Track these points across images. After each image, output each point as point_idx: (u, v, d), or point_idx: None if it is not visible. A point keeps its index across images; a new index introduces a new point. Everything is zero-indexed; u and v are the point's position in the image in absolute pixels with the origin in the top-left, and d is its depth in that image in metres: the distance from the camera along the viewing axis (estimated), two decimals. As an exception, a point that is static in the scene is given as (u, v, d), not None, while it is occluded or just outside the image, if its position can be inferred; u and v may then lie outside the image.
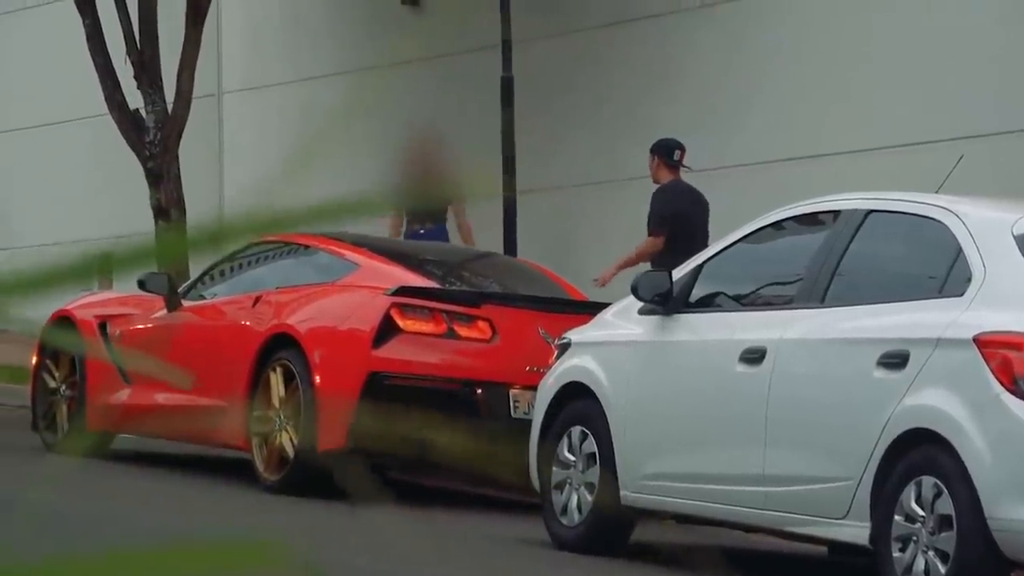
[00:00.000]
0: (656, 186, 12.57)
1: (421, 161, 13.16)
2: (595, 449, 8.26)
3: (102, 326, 11.28)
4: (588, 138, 14.69)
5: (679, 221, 12.21)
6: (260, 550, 1.12)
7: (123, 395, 10.86)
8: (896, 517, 7.02)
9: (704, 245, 11.77)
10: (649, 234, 12.26)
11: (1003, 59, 12.34)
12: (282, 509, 9.09)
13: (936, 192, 7.87)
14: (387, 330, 9.64)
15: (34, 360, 11.52)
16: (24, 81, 19.93)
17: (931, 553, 6.91)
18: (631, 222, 12.97)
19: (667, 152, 12.52)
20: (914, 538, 6.97)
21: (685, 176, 12.61)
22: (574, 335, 8.65)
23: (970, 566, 6.80)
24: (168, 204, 15.07)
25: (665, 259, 11.89)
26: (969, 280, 7.13)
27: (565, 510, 8.35)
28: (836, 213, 7.84)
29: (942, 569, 6.86)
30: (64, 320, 11.47)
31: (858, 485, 7.16)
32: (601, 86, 14.72)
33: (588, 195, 14.75)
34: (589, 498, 8.25)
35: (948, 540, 6.86)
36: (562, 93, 14.93)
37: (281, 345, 9.83)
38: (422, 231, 13.66)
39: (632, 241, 12.80)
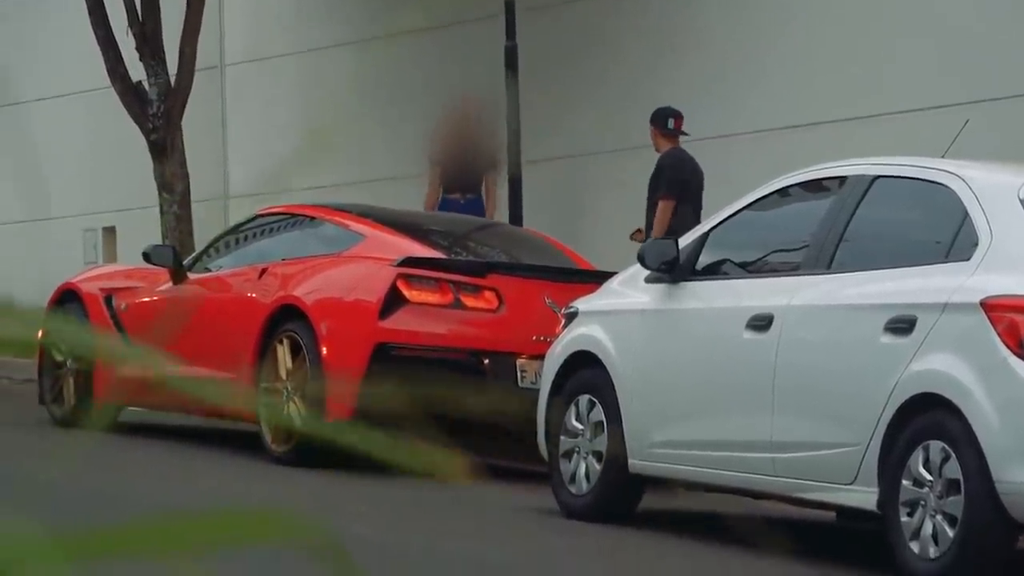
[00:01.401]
0: (658, 154, 12.62)
1: (460, 128, 13.15)
2: (603, 417, 8.27)
3: (107, 299, 11.29)
4: (594, 108, 14.67)
5: (681, 188, 12.27)
6: (278, 520, 1.12)
7: (130, 368, 10.87)
8: (904, 482, 7.03)
9: (698, 214, 11.79)
10: (660, 199, 12.31)
11: (1008, 23, 12.31)
12: (290, 480, 9.11)
13: (942, 157, 7.86)
14: (393, 301, 9.64)
15: (40, 333, 11.53)
16: (26, 55, 19.91)
17: (939, 517, 6.92)
18: (637, 192, 12.97)
19: (663, 120, 12.62)
20: (922, 502, 6.98)
21: (684, 143, 12.63)
22: (581, 304, 8.65)
23: (978, 530, 6.81)
24: (172, 177, 15.07)
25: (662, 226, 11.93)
26: (976, 244, 7.13)
27: (573, 478, 8.36)
28: (842, 179, 7.83)
29: (950, 533, 6.87)
30: (69, 293, 11.48)
31: (866, 450, 7.16)
32: (606, 55, 14.69)
33: (594, 165, 14.74)
34: (597, 466, 8.26)
35: (956, 504, 6.87)
36: (567, 62, 14.91)
37: (288, 317, 9.84)
38: (462, 201, 13.69)
39: (639, 210, 12.79)
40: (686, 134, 12.61)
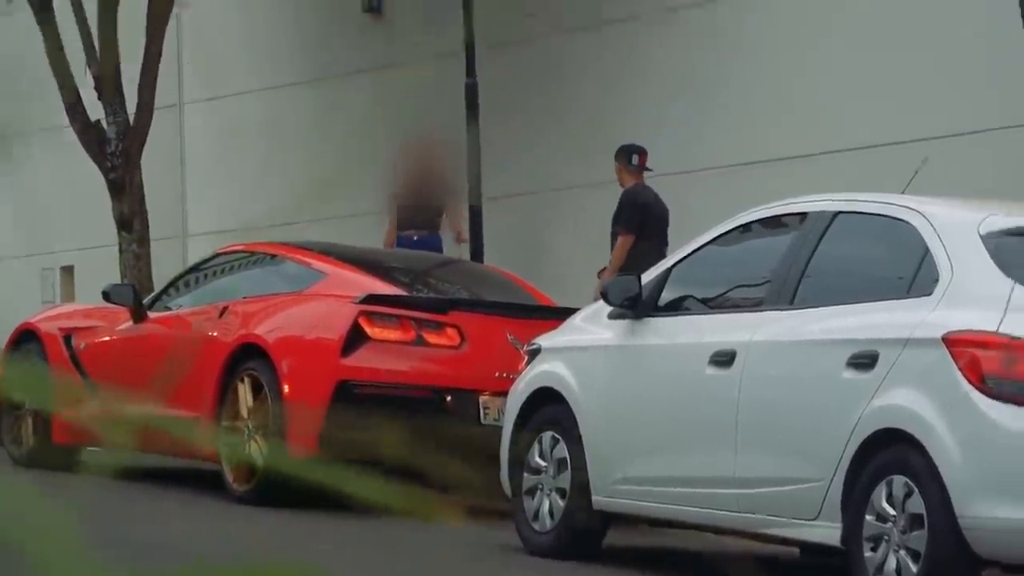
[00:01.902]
0: (622, 190, 12.67)
1: (418, 165, 13.17)
2: (566, 454, 8.27)
3: (67, 339, 11.22)
4: (554, 144, 14.70)
5: (641, 224, 12.32)
6: (296, 572, 1.12)
7: (90, 407, 10.81)
8: (867, 517, 7.04)
9: (663, 250, 11.83)
10: (620, 234, 12.35)
11: (968, 61, 12.42)
12: (253, 519, 9.06)
13: (902, 193, 7.91)
14: (355, 338, 9.62)
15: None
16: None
17: (903, 552, 6.94)
18: (599, 228, 13.00)
19: (627, 157, 12.70)
20: (885, 537, 7.00)
21: (648, 179, 12.69)
22: (544, 340, 8.66)
23: (941, 564, 6.82)
24: (131, 215, 15.01)
25: (628, 262, 11.95)
26: (937, 280, 7.16)
27: (537, 515, 8.35)
28: (804, 215, 7.87)
29: (914, 568, 6.88)
30: (28, 333, 11.41)
31: (829, 486, 7.18)
32: (567, 92, 14.74)
33: (555, 201, 14.77)
34: (561, 503, 8.25)
35: (919, 539, 6.89)
36: (526, 99, 14.95)
37: (249, 355, 9.80)
38: (415, 238, 13.69)
39: (600, 246, 12.82)
40: (649, 170, 12.68)
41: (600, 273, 12.41)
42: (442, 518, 1.36)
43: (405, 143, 14.26)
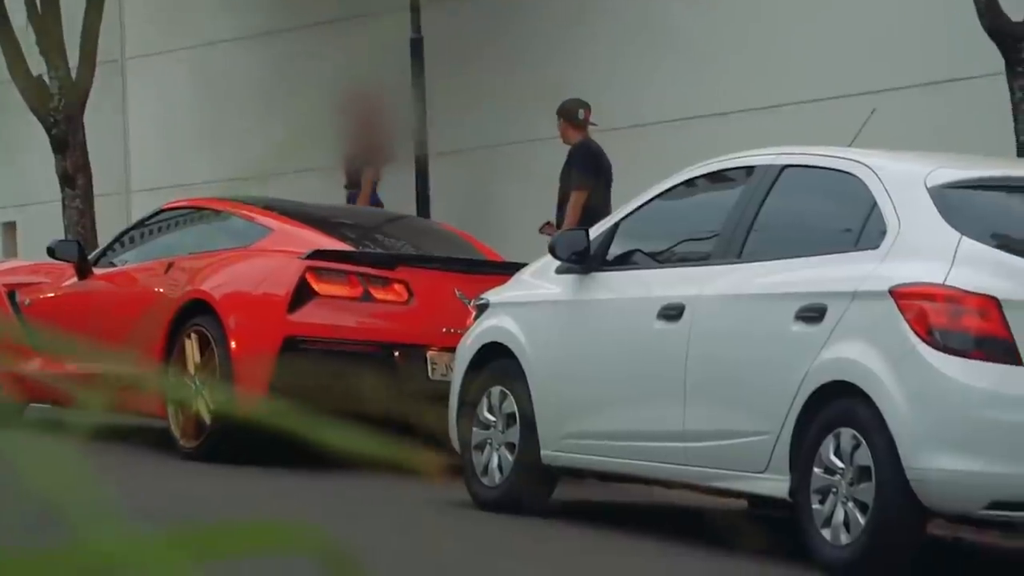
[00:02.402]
0: (567, 146, 12.61)
1: (361, 120, 13.11)
2: (515, 409, 8.27)
3: (11, 295, 11.13)
4: (500, 99, 14.66)
5: (594, 179, 12.28)
6: (296, 533, 1.10)
7: (34, 364, 10.74)
8: (815, 469, 7.07)
9: (609, 205, 11.82)
10: (573, 190, 12.27)
11: (916, 11, 12.44)
12: (203, 474, 9.03)
13: (849, 146, 7.92)
14: (302, 294, 9.58)
15: (-58, 331, 11.35)
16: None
17: (850, 504, 6.98)
18: (545, 183, 12.98)
19: (572, 113, 12.61)
20: (833, 490, 7.03)
21: (594, 133, 12.65)
22: (492, 296, 8.64)
23: (889, 516, 6.87)
24: (74, 171, 14.89)
25: (581, 216, 11.92)
26: (884, 233, 7.18)
27: (486, 470, 8.35)
28: (751, 168, 7.87)
29: (861, 520, 6.92)
30: (-28, 290, 11.31)
31: (777, 439, 7.21)
32: (512, 46, 14.69)
33: (501, 156, 14.73)
34: (510, 458, 8.25)
35: (867, 491, 6.93)
36: (473, 54, 14.89)
37: (196, 311, 9.75)
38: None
39: (547, 201, 12.80)
40: (595, 124, 12.64)
41: (543, 228, 12.38)
42: (424, 472, 1.34)
43: (345, 99, 14.20)
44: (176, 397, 9.46)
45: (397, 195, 14.02)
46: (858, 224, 7.32)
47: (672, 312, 7.72)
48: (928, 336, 6.86)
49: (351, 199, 13.76)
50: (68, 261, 10.88)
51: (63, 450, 1.05)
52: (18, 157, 18.25)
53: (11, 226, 19.08)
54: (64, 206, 15.02)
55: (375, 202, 13.75)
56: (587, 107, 12.68)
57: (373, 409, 8.99)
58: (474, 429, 8.42)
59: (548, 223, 12.51)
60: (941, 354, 6.81)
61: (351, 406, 9.06)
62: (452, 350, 8.94)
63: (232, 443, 9.31)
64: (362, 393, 9.07)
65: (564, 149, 12.77)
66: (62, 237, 13.18)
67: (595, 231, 8.26)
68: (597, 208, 11.76)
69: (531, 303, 8.38)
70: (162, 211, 11.08)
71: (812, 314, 7.19)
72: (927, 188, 7.26)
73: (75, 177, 14.88)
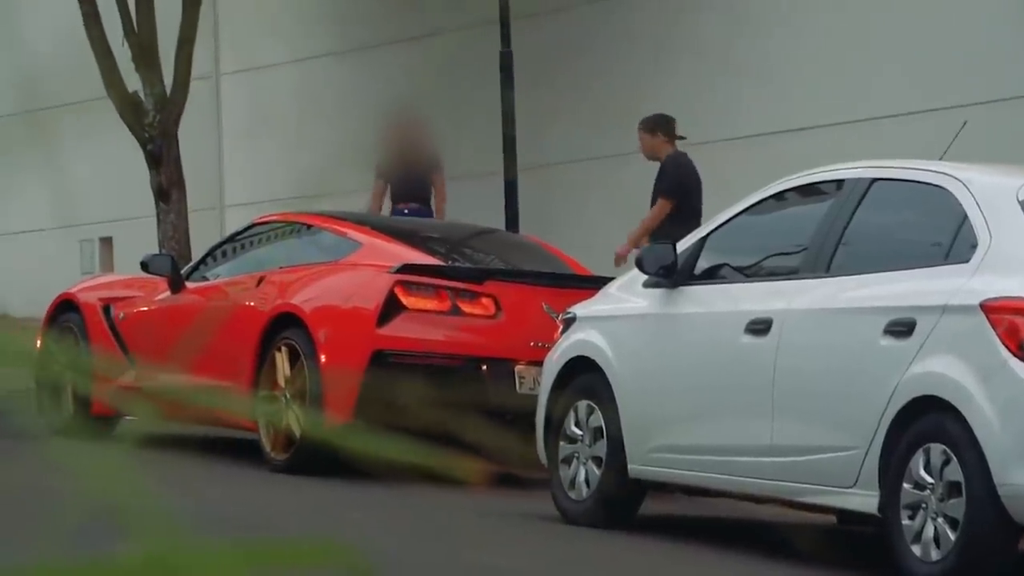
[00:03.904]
0: (654, 161, 12.49)
1: (403, 137, 13.21)
2: (602, 423, 8.26)
3: (106, 308, 11.27)
4: (588, 113, 14.67)
5: (683, 191, 12.19)
6: (328, 551, 1.12)
7: (128, 377, 10.86)
8: (905, 485, 7.02)
9: (698, 219, 11.75)
10: (659, 197, 12.11)
11: (1006, 25, 12.32)
12: (289, 488, 9.09)
13: (940, 159, 7.85)
14: (391, 308, 9.63)
15: (38, 343, 11.51)
16: (22, 66, 19.90)
17: (940, 520, 6.91)
18: (633, 196, 12.96)
19: (665, 126, 12.45)
20: (923, 505, 6.97)
21: (683, 147, 12.54)
22: (579, 309, 8.64)
23: (980, 532, 6.80)
24: (168, 186, 15.06)
25: (664, 230, 11.85)
26: (975, 246, 7.12)
27: (573, 484, 8.35)
28: (840, 182, 7.82)
29: (951, 535, 6.86)
30: (67, 303, 11.46)
31: (866, 453, 7.15)
32: (601, 61, 14.69)
33: (589, 170, 14.74)
34: (597, 472, 8.25)
35: (957, 507, 6.86)
36: (562, 68, 14.91)
37: (286, 324, 9.83)
38: (406, 211, 13.67)
39: (635, 214, 12.78)
40: (683, 138, 12.55)
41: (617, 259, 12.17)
42: (463, 476, 1.35)
43: (386, 116, 14.28)
44: (266, 418, 9.54)
45: (485, 210, 14.06)
46: (948, 238, 7.26)
47: (760, 326, 7.68)
48: (1019, 350, 6.79)
49: (396, 215, 13.71)
50: (161, 275, 10.99)
51: (117, 457, 1.07)
52: (114, 173, 18.48)
53: (107, 241, 19.32)
54: (159, 221, 15.19)
55: (419, 215, 13.67)
56: (673, 120, 12.59)
57: (460, 422, 9.02)
58: (561, 443, 8.43)
59: (624, 248, 12.33)
60: (1032, 369, 6.73)
61: (438, 419, 9.09)
62: (539, 364, 8.95)
63: (322, 456, 9.37)
64: (449, 407, 9.10)
65: (652, 163, 12.74)
66: (156, 251, 13.32)
67: (682, 245, 8.24)
68: (686, 221, 11.68)
69: (618, 317, 8.38)
70: (253, 225, 11.18)
71: (901, 328, 7.14)
72: (1019, 201, 7.19)
73: (169, 192, 15.05)
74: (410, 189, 13.77)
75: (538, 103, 14.63)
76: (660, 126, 12.54)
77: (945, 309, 7.02)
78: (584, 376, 8.40)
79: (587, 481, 8.29)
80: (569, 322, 8.63)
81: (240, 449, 10.43)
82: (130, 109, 14.98)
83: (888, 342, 7.17)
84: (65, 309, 11.45)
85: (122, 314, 11.18)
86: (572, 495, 8.33)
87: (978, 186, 7.29)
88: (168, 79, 14.95)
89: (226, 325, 10.28)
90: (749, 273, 8.04)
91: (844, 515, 7.82)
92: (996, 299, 6.89)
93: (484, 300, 9.76)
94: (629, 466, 8.12)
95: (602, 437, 8.25)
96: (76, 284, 11.91)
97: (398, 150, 13.60)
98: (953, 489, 6.89)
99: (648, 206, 12.55)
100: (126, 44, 14.97)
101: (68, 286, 11.85)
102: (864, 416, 7.18)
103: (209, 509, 7.50)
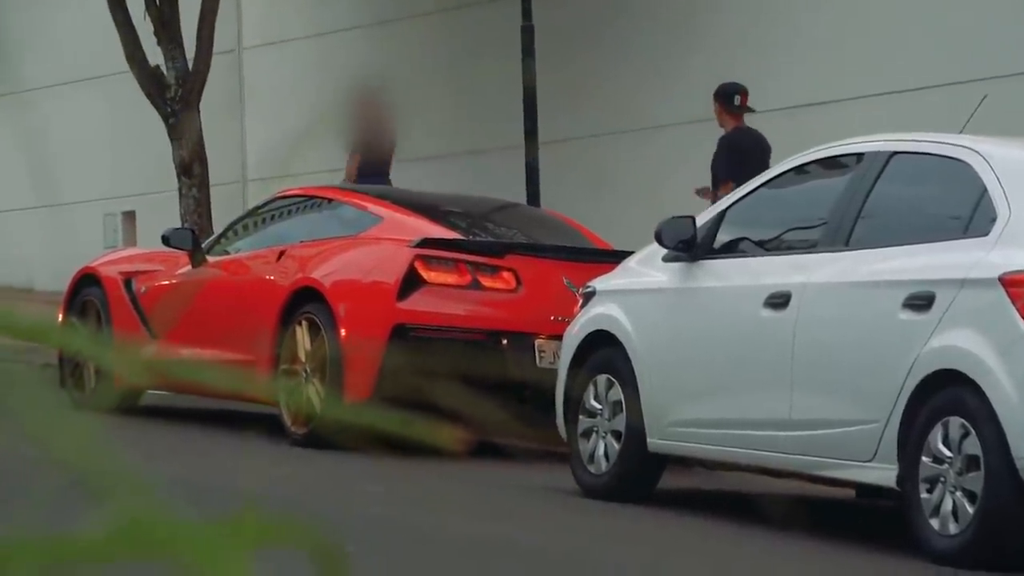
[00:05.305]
0: (722, 130, 12.23)
1: (367, 114, 13.23)
2: (621, 397, 8.27)
3: (127, 282, 11.31)
4: (610, 87, 14.64)
5: (740, 171, 11.99)
6: (287, 528, 1.13)
7: (149, 350, 10.89)
8: (923, 458, 7.01)
9: None
10: (722, 182, 11.87)
11: (1026, -1, 12.25)
12: (309, 462, 9.12)
13: (960, 132, 7.83)
14: (411, 282, 9.64)
15: (60, 318, 11.56)
16: (45, 40, 19.93)
17: (959, 493, 6.91)
18: (655, 171, 12.94)
19: (727, 98, 12.16)
20: (941, 479, 6.97)
21: (749, 119, 12.25)
22: (599, 283, 8.65)
23: (998, 505, 6.79)
24: (190, 160, 15.08)
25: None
26: (994, 220, 7.10)
27: (592, 458, 8.36)
28: (859, 156, 7.81)
29: (970, 509, 6.85)
30: (89, 277, 11.50)
31: (885, 427, 7.15)
32: (622, 35, 14.66)
33: (611, 144, 14.72)
34: (616, 446, 8.26)
35: (976, 480, 6.86)
36: (584, 42, 14.88)
37: (306, 299, 9.85)
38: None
39: (657, 189, 12.76)
40: (752, 110, 12.23)
41: (700, 192, 11.93)
42: (444, 445, 1.37)
43: (352, 94, 14.28)
44: (286, 397, 9.54)
45: (507, 183, 14.06)
46: (967, 211, 7.24)
47: (779, 300, 7.68)
48: (1038, 324, 6.77)
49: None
50: (182, 249, 11.02)
51: (88, 424, 1.08)
52: (137, 147, 18.52)
53: (130, 215, 19.37)
54: (181, 195, 15.22)
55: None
56: (744, 92, 12.16)
57: (480, 396, 9.03)
58: (580, 417, 8.44)
59: (706, 189, 12.12)
60: (1051, 343, 6.72)
61: (459, 393, 9.10)
62: (559, 338, 8.96)
63: (342, 430, 9.39)
64: (469, 381, 9.11)
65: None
66: (178, 226, 13.36)
67: (702, 219, 8.24)
68: None
69: (638, 291, 8.37)
70: (275, 199, 11.19)
71: (920, 302, 7.13)
72: (1038, 174, 7.16)
73: (191, 166, 15.07)
74: (375, 165, 13.80)
75: (560, 77, 14.61)
76: (719, 96, 12.20)
77: (964, 283, 7.01)
78: (603, 350, 8.40)
79: (606, 455, 8.30)
80: (589, 296, 8.64)
81: (261, 422, 10.47)
82: (152, 83, 15.00)
83: (907, 316, 7.16)
84: (87, 283, 11.49)
85: (144, 288, 11.21)
86: (591, 469, 8.35)
87: (998, 159, 7.27)
88: (190, 53, 14.96)
89: (247, 299, 10.31)
90: (768, 247, 8.03)
91: (862, 489, 7.82)
92: (1015, 272, 6.87)
93: (504, 274, 9.76)
94: (648, 440, 8.13)
95: (621, 411, 8.26)
96: (98, 258, 11.95)
97: (365, 127, 13.67)
98: (971, 463, 6.88)
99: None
100: (148, 18, 14.97)
101: (91, 260, 11.89)
102: (883, 389, 7.18)
103: (226, 482, 7.53)
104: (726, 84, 12.21)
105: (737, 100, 12.07)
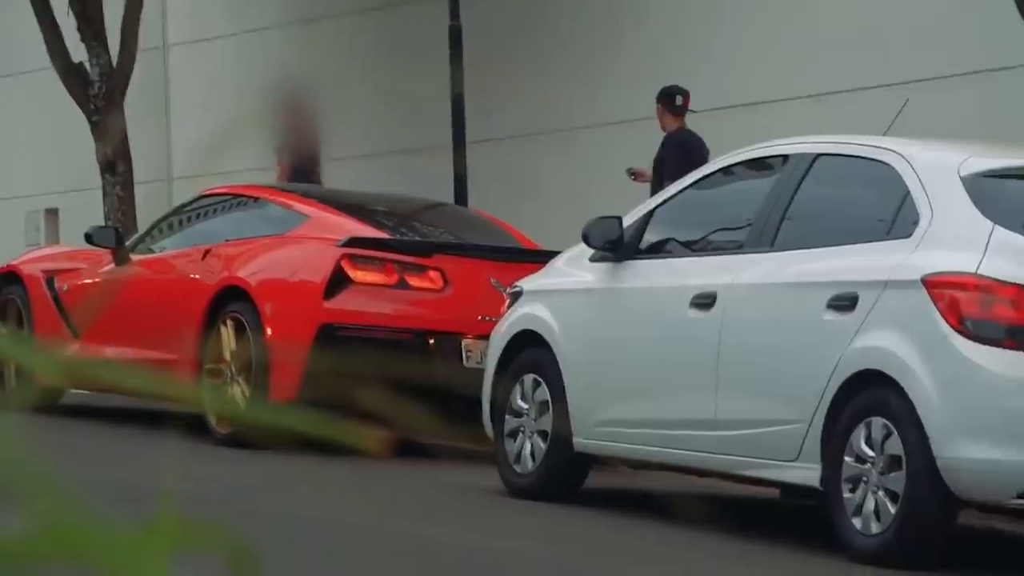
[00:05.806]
0: (663, 132, 12.22)
1: (291, 114, 13.21)
2: (548, 397, 8.28)
3: (49, 281, 11.21)
4: (538, 87, 14.66)
5: (688, 169, 11.98)
6: (200, 530, 1.12)
7: (71, 350, 10.81)
8: (846, 458, 7.06)
9: None
10: (668, 181, 11.86)
11: (949, 4, 12.37)
12: (234, 461, 9.08)
13: (883, 135, 7.89)
14: (338, 281, 9.62)
15: (-19, 316, 11.44)
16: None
17: (881, 493, 6.97)
18: (582, 171, 12.97)
19: (670, 99, 12.21)
20: (864, 479, 7.02)
21: (690, 120, 12.27)
22: (525, 283, 8.65)
23: (919, 505, 6.85)
24: (114, 158, 14.97)
25: None
26: (917, 222, 7.16)
27: (519, 458, 8.37)
28: (785, 157, 7.85)
29: (892, 509, 6.91)
30: (10, 275, 11.40)
31: (808, 427, 7.20)
32: (549, 35, 14.68)
33: (538, 144, 14.74)
34: (542, 445, 8.27)
35: (898, 480, 6.91)
36: (511, 42, 14.89)
37: (232, 298, 9.80)
38: None
39: (584, 189, 12.79)
40: (693, 111, 12.26)
41: (632, 173, 11.83)
42: (367, 448, 1.36)
43: (277, 98, 14.28)
44: (211, 400, 9.47)
45: (436, 183, 14.05)
46: (891, 213, 7.30)
47: (705, 301, 7.71)
48: (960, 325, 6.84)
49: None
50: (106, 247, 10.94)
51: (6, 424, 1.06)
52: (60, 144, 18.36)
53: (53, 212, 19.20)
54: (104, 193, 15.11)
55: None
56: (685, 94, 12.19)
57: (406, 396, 9.01)
58: (507, 417, 8.44)
59: (641, 170, 12.06)
60: (973, 343, 6.79)
61: (385, 394, 9.08)
62: (487, 338, 8.96)
63: (267, 430, 9.34)
64: (396, 381, 9.10)
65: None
66: (102, 224, 13.26)
67: (628, 219, 8.26)
68: None
69: (564, 291, 8.39)
70: (200, 198, 11.14)
71: (844, 303, 7.18)
72: (960, 177, 7.23)
73: (115, 164, 14.96)
74: (303, 172, 13.78)
75: (487, 77, 14.61)
76: (662, 97, 12.23)
77: (887, 284, 7.07)
78: (530, 350, 8.41)
79: (532, 455, 8.31)
80: (516, 296, 8.64)
81: (185, 422, 10.40)
82: (75, 80, 14.88)
83: (831, 316, 7.21)
84: (8, 281, 11.39)
85: (65, 286, 11.12)
86: (517, 468, 8.35)
87: (920, 162, 7.33)
88: (115, 50, 14.85)
89: (171, 298, 10.24)
90: (694, 248, 8.07)
91: (787, 488, 7.87)
92: (937, 274, 6.93)
93: (431, 274, 9.76)
94: (574, 440, 8.15)
95: (548, 411, 8.27)
96: (20, 256, 11.84)
97: (288, 127, 13.67)
98: (894, 463, 6.94)
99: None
100: (71, 13, 14.85)
101: (12, 258, 11.78)
102: (807, 390, 7.23)
103: (149, 482, 7.48)
104: (669, 86, 12.27)
105: (679, 101, 12.13)
